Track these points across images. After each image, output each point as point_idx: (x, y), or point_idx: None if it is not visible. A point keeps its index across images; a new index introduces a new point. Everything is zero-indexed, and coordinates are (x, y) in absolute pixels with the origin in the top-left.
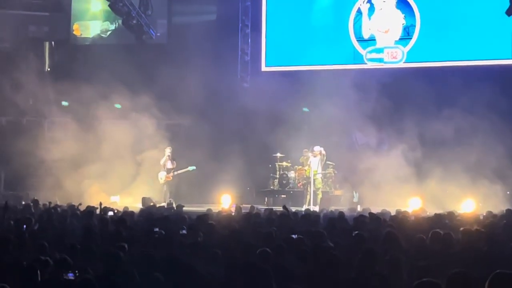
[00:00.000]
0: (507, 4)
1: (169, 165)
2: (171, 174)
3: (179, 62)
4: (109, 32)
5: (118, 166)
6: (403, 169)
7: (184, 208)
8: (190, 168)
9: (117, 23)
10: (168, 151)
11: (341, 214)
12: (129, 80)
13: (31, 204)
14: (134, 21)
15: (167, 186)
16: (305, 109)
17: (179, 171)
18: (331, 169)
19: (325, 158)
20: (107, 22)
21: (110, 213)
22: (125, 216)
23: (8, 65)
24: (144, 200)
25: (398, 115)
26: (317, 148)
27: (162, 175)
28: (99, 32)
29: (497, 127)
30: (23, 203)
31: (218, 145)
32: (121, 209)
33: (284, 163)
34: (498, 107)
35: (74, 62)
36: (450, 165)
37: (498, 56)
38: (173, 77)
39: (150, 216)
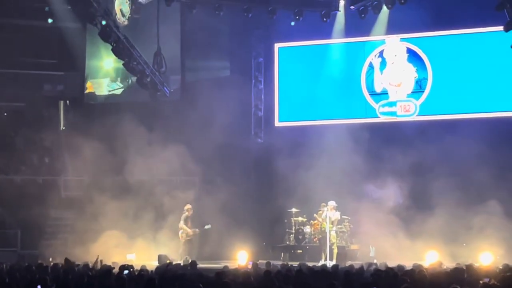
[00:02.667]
0: None
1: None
2: (192, 232)
3: (193, 118)
4: (121, 90)
5: (135, 224)
6: (419, 223)
7: (199, 266)
8: (206, 226)
9: (130, 81)
10: (189, 208)
11: (359, 269)
12: (143, 137)
13: (48, 264)
14: (148, 79)
15: (189, 244)
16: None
17: (196, 230)
18: (347, 223)
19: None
20: (120, 80)
21: (126, 271)
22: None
23: (24, 124)
24: (160, 257)
25: (412, 169)
26: (331, 203)
27: (183, 233)
28: (112, 89)
29: None
30: (39, 262)
31: (232, 201)
32: (137, 267)
33: (300, 218)
34: None
35: (89, 120)
36: (466, 218)
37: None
38: (187, 134)
39: (166, 274)
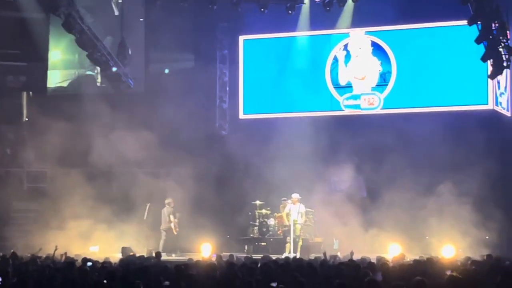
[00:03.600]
0: (482, 51)
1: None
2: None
3: (157, 110)
4: (68, 82)
5: (100, 216)
6: (383, 215)
7: (163, 258)
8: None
9: (76, 72)
10: (170, 201)
11: (322, 262)
12: (106, 129)
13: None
14: (112, 70)
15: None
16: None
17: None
18: (311, 216)
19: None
20: (83, 70)
21: (89, 263)
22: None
23: None
24: (123, 250)
25: (376, 162)
26: (295, 195)
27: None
28: (75, 80)
29: (476, 172)
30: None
31: (196, 193)
32: (101, 260)
33: (264, 211)
34: (476, 152)
35: (52, 111)
36: (429, 211)
37: (474, 102)
38: (151, 125)
39: (130, 266)
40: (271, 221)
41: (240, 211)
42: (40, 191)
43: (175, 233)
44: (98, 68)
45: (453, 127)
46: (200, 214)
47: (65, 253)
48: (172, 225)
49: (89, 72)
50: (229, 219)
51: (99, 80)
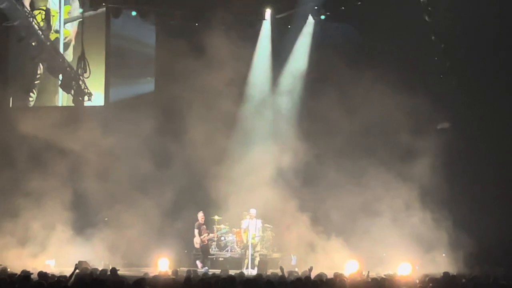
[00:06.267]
0: None
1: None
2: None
3: (117, 126)
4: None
5: (53, 229)
6: (340, 232)
7: (120, 272)
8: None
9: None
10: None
11: (281, 278)
12: (61, 143)
13: None
14: (72, 83)
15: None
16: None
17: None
18: (269, 232)
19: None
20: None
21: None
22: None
23: None
24: (79, 264)
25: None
26: (252, 211)
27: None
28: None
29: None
30: None
31: (155, 208)
32: (56, 274)
33: (222, 226)
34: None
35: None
36: (387, 228)
37: None
38: (109, 141)
39: (86, 281)
40: (230, 237)
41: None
42: None
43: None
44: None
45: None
46: (158, 229)
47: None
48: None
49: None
50: (187, 234)
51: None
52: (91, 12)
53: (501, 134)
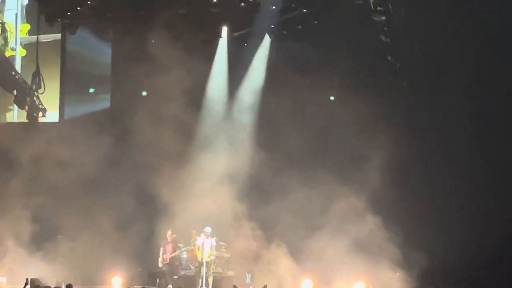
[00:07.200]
0: None
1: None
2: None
3: (70, 143)
4: None
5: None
6: (296, 250)
7: None
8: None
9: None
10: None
11: None
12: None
13: None
14: (27, 99)
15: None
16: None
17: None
18: (224, 250)
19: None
20: None
21: None
22: None
23: None
24: (31, 281)
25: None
26: (207, 229)
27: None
28: None
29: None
30: None
31: (108, 225)
32: None
33: (181, 244)
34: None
35: None
36: (342, 246)
37: None
38: (63, 157)
39: None
40: (184, 255)
41: (152, 245)
42: None
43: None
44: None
45: None
46: (112, 246)
47: None
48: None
49: None
50: (141, 252)
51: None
52: (49, 35)
53: (456, 143)
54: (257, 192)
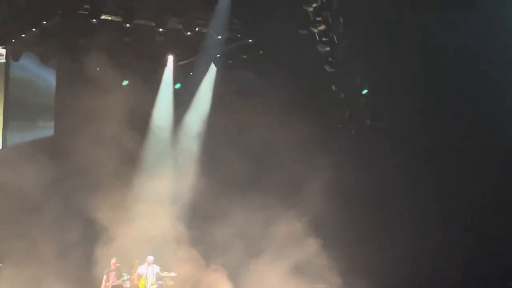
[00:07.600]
0: None
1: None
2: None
3: (15, 170)
4: None
5: None
6: (235, 273)
7: None
8: None
9: None
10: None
11: None
12: None
13: None
14: None
15: None
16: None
17: None
18: (168, 278)
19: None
20: None
21: None
22: None
23: None
24: None
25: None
26: (150, 258)
27: None
28: None
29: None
30: None
31: (49, 250)
32: None
33: (124, 273)
34: None
35: None
36: (283, 270)
37: None
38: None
39: None
40: (127, 284)
41: (95, 273)
42: None
43: None
44: None
45: None
46: (53, 272)
47: None
48: None
49: None
50: (83, 281)
51: None
52: None
53: (400, 168)
54: (198, 217)
